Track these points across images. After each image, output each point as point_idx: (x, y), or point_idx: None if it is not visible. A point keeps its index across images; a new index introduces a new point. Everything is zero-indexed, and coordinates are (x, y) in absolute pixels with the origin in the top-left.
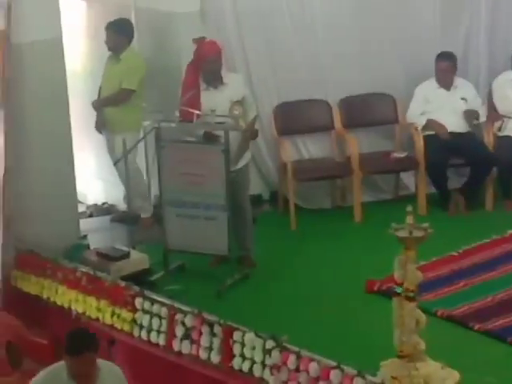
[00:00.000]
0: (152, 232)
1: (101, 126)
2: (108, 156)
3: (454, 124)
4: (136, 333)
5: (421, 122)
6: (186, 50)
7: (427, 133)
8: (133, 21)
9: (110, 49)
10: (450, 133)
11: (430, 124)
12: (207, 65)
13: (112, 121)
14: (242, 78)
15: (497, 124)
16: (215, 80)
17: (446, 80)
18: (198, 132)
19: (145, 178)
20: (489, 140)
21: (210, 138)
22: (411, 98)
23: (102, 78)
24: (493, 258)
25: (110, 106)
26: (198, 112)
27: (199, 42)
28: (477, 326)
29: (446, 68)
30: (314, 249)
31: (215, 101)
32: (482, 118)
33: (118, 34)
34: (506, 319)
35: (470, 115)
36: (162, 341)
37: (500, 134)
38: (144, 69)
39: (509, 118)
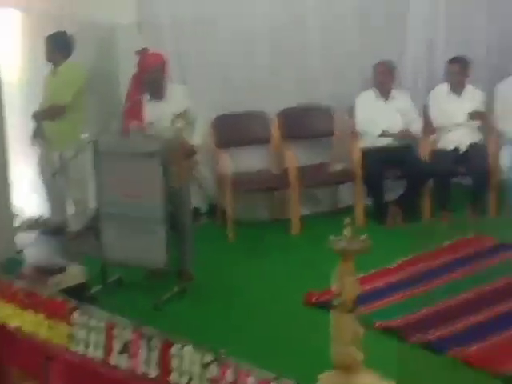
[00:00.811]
0: (88, 245)
1: (37, 138)
2: (39, 169)
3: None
4: (73, 347)
5: (376, 131)
6: (125, 61)
7: (364, 145)
8: (72, 31)
9: (47, 60)
10: (387, 146)
11: (386, 134)
12: (149, 76)
13: (49, 135)
14: (186, 90)
15: (432, 137)
16: (158, 92)
17: (383, 89)
18: (135, 145)
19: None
20: (424, 153)
21: None
22: (347, 109)
23: (43, 90)
24: (430, 269)
25: (46, 120)
26: (136, 124)
27: (142, 53)
28: (414, 338)
29: (384, 74)
30: (252, 261)
31: (157, 113)
32: (418, 131)
33: (56, 47)
34: (444, 330)
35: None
36: (99, 355)
37: (436, 146)
38: (81, 81)
39: (444, 130)
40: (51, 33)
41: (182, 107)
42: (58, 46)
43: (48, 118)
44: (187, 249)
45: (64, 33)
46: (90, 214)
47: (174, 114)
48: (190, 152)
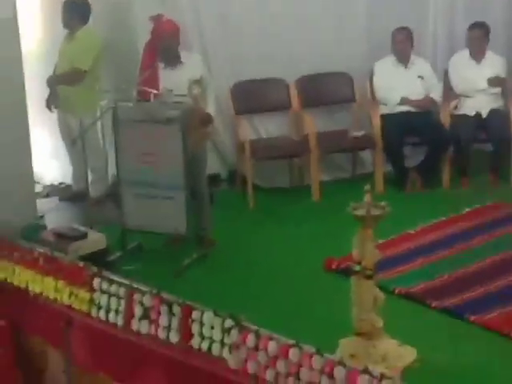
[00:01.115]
0: (109, 212)
1: (52, 103)
2: (60, 135)
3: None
4: (94, 313)
5: (395, 98)
6: (143, 27)
7: (384, 112)
8: None
9: (65, 26)
10: (408, 112)
11: (405, 101)
12: (164, 43)
13: (67, 101)
14: (200, 58)
15: (453, 103)
16: (173, 59)
17: (403, 55)
18: (155, 111)
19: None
20: (445, 119)
21: None
22: (368, 76)
23: (58, 56)
24: (450, 235)
25: (63, 85)
26: (155, 91)
27: (156, 20)
28: (434, 304)
29: (404, 40)
30: (272, 228)
31: (173, 80)
32: (438, 97)
33: (73, 12)
34: (463, 296)
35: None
36: (120, 321)
37: (456, 112)
38: (99, 48)
39: (465, 96)
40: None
41: (198, 74)
42: (75, 12)
43: (66, 83)
44: (206, 215)
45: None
46: (110, 181)
47: (190, 81)
48: (206, 119)
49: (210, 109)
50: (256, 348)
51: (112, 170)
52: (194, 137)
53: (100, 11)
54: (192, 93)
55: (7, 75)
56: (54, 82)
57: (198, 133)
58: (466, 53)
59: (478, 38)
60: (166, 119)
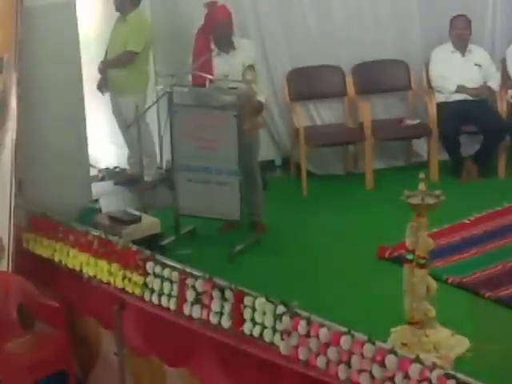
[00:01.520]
0: (163, 196)
1: (103, 86)
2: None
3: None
4: (147, 297)
5: (451, 86)
6: (198, 13)
7: (440, 100)
8: None
9: (117, 9)
10: (464, 100)
11: (462, 90)
12: (219, 29)
13: (117, 83)
14: (253, 44)
15: (511, 91)
16: (227, 45)
17: (461, 42)
18: (210, 97)
19: (155, 141)
20: (502, 108)
21: None
22: (424, 64)
23: (109, 39)
24: (504, 225)
25: (114, 68)
26: (210, 77)
27: (210, 6)
28: (488, 294)
29: (462, 27)
30: (326, 215)
31: (228, 66)
32: (496, 86)
33: None
34: None
35: None
36: (172, 305)
37: None
38: (150, 31)
39: None
40: None
41: (251, 60)
42: None
43: (118, 65)
44: (258, 200)
45: None
46: (165, 166)
47: (244, 66)
48: (258, 107)
49: (261, 96)
50: (307, 335)
51: (167, 155)
52: (247, 124)
53: None
54: (246, 78)
55: (65, 59)
56: (105, 66)
57: (250, 120)
58: None
59: None
60: (221, 105)
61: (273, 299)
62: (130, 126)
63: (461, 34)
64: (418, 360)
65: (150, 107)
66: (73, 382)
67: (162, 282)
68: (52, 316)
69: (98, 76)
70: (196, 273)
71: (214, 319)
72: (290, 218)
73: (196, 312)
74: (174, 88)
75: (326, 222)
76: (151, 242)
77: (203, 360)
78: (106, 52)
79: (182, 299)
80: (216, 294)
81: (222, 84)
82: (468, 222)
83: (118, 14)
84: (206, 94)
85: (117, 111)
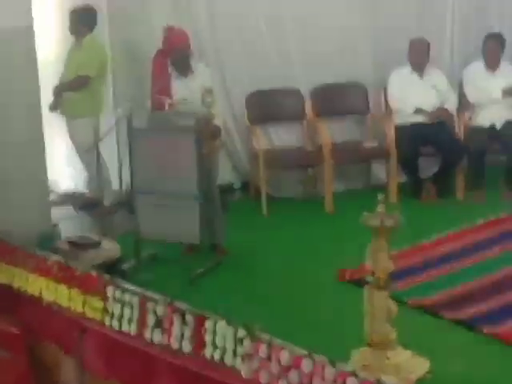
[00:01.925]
0: (123, 221)
1: (55, 107)
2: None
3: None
4: (107, 321)
5: (409, 108)
6: (158, 37)
7: (399, 122)
8: (104, 7)
9: (71, 32)
10: (422, 122)
11: (419, 112)
12: (178, 53)
13: (71, 107)
14: (209, 68)
15: (468, 113)
16: (185, 69)
17: (419, 65)
18: (169, 121)
19: (115, 165)
20: (460, 130)
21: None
22: (382, 87)
23: (64, 63)
24: (464, 246)
25: (68, 91)
26: (169, 101)
27: (168, 30)
28: (448, 315)
29: (420, 50)
30: (286, 237)
31: (187, 89)
32: (453, 108)
33: (80, 20)
34: (477, 308)
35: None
36: (133, 330)
37: (471, 123)
38: (105, 55)
39: (479, 107)
40: (76, 6)
41: (208, 83)
42: (82, 19)
43: (72, 89)
44: (218, 223)
45: (88, 6)
46: (124, 190)
47: (202, 90)
48: (216, 131)
49: (218, 120)
50: (268, 358)
51: (126, 179)
52: (207, 147)
53: (114, 20)
54: (206, 101)
55: (23, 83)
56: (59, 89)
57: (209, 144)
58: (480, 63)
59: (494, 48)
60: (181, 128)
61: (233, 323)
62: (88, 150)
63: (418, 56)
64: (379, 382)
65: (108, 131)
66: None
67: (123, 307)
68: (12, 342)
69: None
70: (156, 297)
71: (174, 343)
72: (250, 241)
73: (157, 336)
74: (133, 112)
75: (286, 245)
76: (111, 267)
77: None
78: (61, 76)
79: (142, 324)
80: (176, 318)
81: (181, 108)
82: (428, 243)
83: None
84: (166, 118)
85: (72, 135)
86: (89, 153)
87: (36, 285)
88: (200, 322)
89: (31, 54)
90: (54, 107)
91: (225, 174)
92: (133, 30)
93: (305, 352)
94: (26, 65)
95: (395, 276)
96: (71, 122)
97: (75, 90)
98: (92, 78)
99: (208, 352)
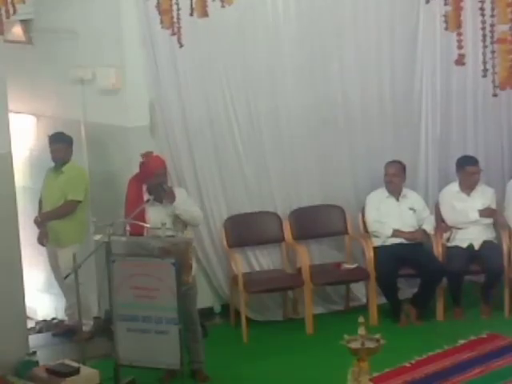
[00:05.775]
0: (102, 347)
1: (43, 238)
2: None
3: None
4: None
5: (387, 231)
6: (136, 164)
7: (377, 244)
8: (82, 134)
9: (56, 160)
10: (401, 244)
11: (397, 234)
12: (155, 179)
13: (57, 234)
14: (185, 193)
15: (445, 235)
16: (161, 194)
17: (394, 188)
18: (148, 246)
19: (94, 291)
20: (438, 250)
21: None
22: (360, 208)
23: (43, 191)
24: (445, 368)
25: (54, 219)
26: (147, 225)
27: (146, 156)
28: None
29: (395, 173)
30: (267, 363)
31: (163, 214)
32: (430, 229)
33: (67, 144)
34: None
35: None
36: None
37: (449, 244)
38: (87, 180)
39: (457, 228)
40: (54, 133)
41: (184, 209)
42: (67, 142)
43: (58, 216)
44: (199, 349)
45: (62, 132)
46: (103, 316)
47: (176, 216)
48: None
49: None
50: None
51: (105, 304)
52: (187, 270)
53: (92, 147)
54: (180, 227)
55: (1, 210)
56: (44, 218)
57: (189, 266)
58: (456, 185)
59: (472, 173)
60: (160, 253)
61: None
62: (67, 277)
63: (394, 179)
64: None
65: (87, 258)
66: None
67: None
68: None
69: (31, 227)
70: None
71: None
72: (230, 366)
73: None
74: (111, 237)
75: (266, 369)
76: None
77: None
78: (40, 204)
79: None
80: None
81: (159, 232)
82: (409, 365)
83: (47, 165)
84: (144, 243)
85: (54, 262)
86: (68, 279)
87: None
88: None
89: (9, 181)
90: (42, 238)
91: (204, 298)
92: (109, 156)
93: None
94: (4, 191)
95: None
96: (55, 250)
97: (63, 216)
98: (79, 203)
99: None
